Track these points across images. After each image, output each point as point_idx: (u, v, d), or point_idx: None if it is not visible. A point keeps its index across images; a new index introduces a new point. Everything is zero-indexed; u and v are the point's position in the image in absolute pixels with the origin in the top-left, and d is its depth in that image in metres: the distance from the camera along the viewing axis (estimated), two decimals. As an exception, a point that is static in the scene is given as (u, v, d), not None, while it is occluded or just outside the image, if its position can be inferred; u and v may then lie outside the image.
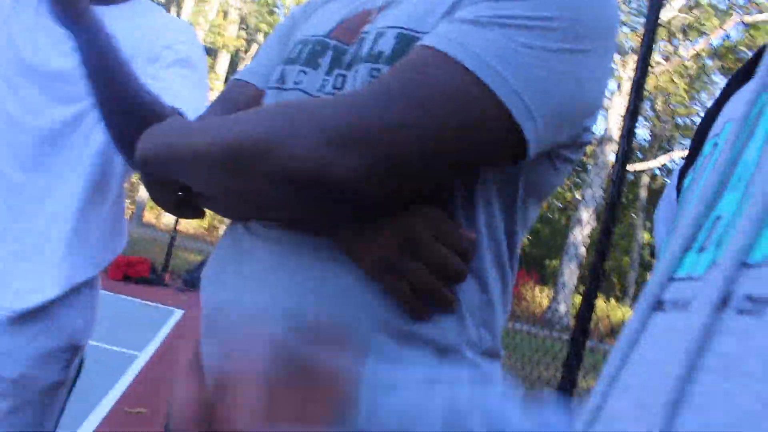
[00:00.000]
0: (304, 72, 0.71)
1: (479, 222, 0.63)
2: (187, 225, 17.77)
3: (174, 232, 8.48)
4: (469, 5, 0.61)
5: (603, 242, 2.58)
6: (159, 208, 0.98)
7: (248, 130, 0.58)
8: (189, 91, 1.15)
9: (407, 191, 0.58)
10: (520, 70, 0.57)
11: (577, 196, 16.89)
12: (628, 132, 2.54)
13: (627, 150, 2.55)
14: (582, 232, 13.31)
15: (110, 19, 1.08)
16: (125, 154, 1.03)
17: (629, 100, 2.53)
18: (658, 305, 0.29)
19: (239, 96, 0.82)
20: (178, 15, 22.38)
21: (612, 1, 0.63)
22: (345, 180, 0.54)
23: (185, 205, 0.72)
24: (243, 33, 24.83)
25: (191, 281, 7.71)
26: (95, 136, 1.14)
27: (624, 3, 13.88)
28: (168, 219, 16.25)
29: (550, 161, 0.66)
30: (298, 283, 0.61)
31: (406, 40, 0.64)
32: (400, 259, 0.58)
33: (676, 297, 0.28)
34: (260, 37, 25.18)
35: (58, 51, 1.12)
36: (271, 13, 25.01)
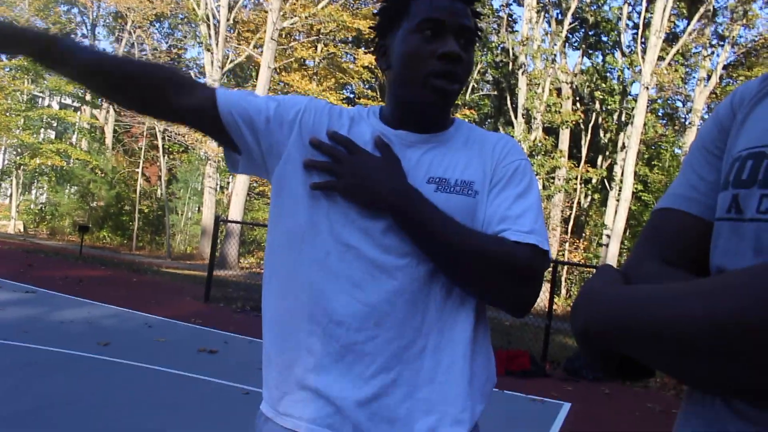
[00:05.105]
0: None
1: None
2: (559, 307, 17.54)
3: (547, 319, 8.28)
4: None
5: None
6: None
7: (731, 304, 0.51)
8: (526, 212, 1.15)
9: None
10: None
11: None
12: None
13: None
14: None
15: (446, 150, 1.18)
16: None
17: None
18: None
19: (672, 230, 0.75)
20: (514, 104, 23.46)
21: None
22: None
23: (630, 369, 0.66)
24: (578, 105, 24.73)
25: (573, 370, 7.34)
26: None
27: None
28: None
29: None
30: None
31: None
32: None
33: None
34: (596, 105, 24.78)
35: None
36: (604, 79, 24.48)
